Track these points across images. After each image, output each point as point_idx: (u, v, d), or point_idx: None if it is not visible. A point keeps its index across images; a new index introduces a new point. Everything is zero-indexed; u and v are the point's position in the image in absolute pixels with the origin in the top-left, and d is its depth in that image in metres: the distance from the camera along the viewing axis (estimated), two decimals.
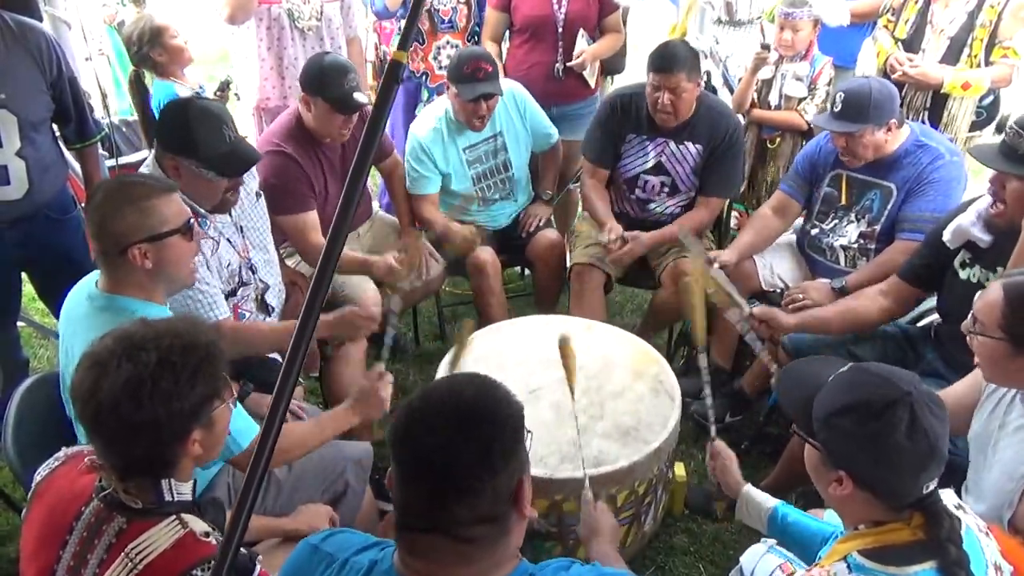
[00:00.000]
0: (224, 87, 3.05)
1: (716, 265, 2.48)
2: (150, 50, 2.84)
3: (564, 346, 1.73)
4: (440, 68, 3.23)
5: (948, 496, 1.21)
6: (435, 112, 2.79)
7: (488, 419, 1.01)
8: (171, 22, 2.91)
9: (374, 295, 2.62)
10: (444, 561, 1.01)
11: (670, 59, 2.55)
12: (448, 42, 3.21)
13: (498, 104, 2.77)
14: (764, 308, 2.23)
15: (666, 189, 2.79)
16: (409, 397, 1.06)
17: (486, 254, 2.78)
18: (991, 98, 2.98)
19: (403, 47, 0.98)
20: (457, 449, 0.97)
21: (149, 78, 2.93)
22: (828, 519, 1.59)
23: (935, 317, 2.30)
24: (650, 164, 2.76)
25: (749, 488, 1.69)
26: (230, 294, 2.12)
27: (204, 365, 1.20)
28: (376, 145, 0.95)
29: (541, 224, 2.94)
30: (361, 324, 2.04)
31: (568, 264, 2.90)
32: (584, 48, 3.10)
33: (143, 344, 1.17)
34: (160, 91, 2.90)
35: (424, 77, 3.26)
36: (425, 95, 3.28)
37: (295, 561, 1.15)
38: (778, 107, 3.07)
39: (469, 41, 3.24)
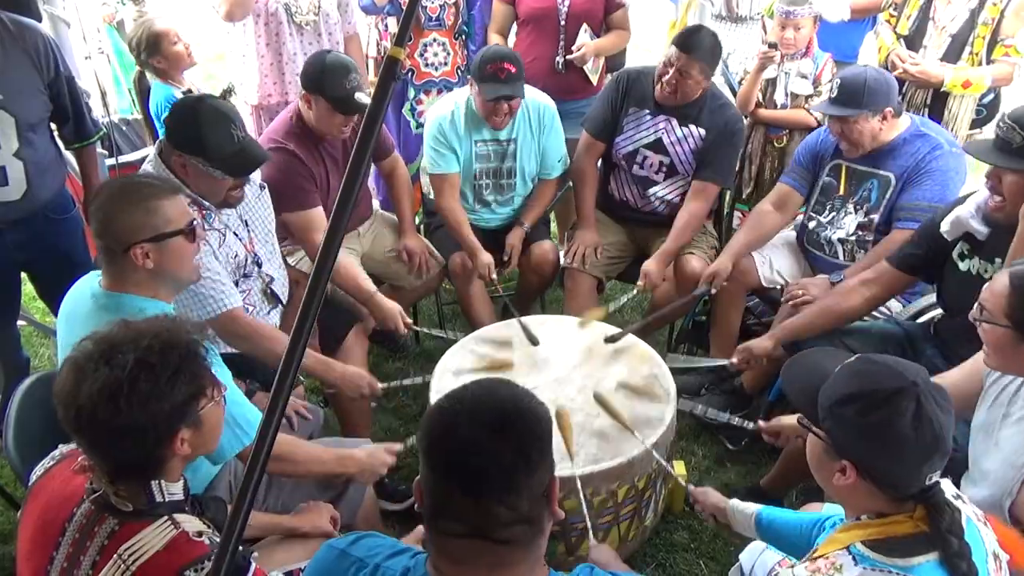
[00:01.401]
0: (226, 94, 3.04)
1: (712, 290, 2.56)
2: (149, 57, 2.85)
3: (560, 419, 1.80)
4: (426, 65, 3.21)
5: (946, 486, 1.21)
6: (457, 98, 2.79)
7: (523, 420, 1.02)
8: (172, 25, 2.90)
9: None
10: (483, 566, 1.01)
11: (695, 43, 2.57)
12: (435, 39, 3.19)
13: (522, 113, 2.76)
14: (738, 353, 2.31)
15: (664, 169, 2.79)
16: (439, 400, 1.06)
17: (462, 258, 2.77)
18: (992, 96, 2.98)
19: (399, 43, 0.98)
20: (496, 450, 0.98)
21: (151, 78, 2.95)
22: (826, 511, 1.59)
23: (935, 313, 2.30)
24: (650, 139, 2.76)
25: (734, 502, 1.72)
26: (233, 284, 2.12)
27: (185, 364, 1.19)
28: (373, 142, 0.94)
29: (515, 254, 2.84)
30: (365, 393, 2.15)
31: (562, 264, 2.89)
32: (585, 42, 3.09)
33: (121, 346, 1.16)
34: (159, 93, 2.90)
35: (410, 74, 3.24)
36: (412, 93, 3.26)
37: (321, 565, 1.14)
38: (784, 106, 3.06)
39: (456, 39, 3.22)
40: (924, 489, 1.15)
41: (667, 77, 2.60)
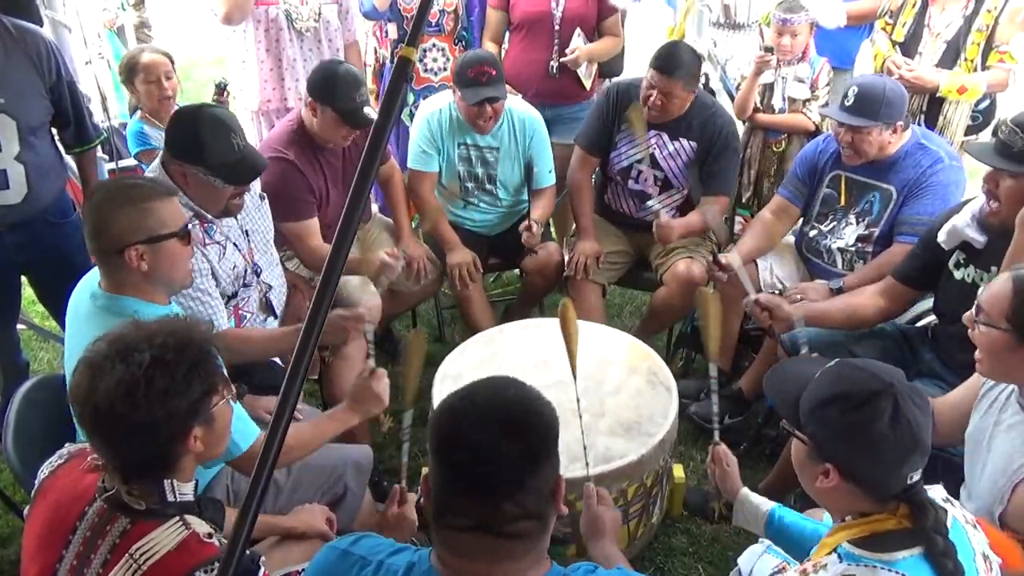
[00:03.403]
0: (221, 90, 3.04)
1: (734, 254, 2.47)
2: (124, 82, 2.81)
3: (565, 311, 1.73)
4: (425, 71, 3.24)
5: (937, 491, 1.23)
6: (448, 98, 2.81)
7: (531, 418, 1.04)
8: (161, 59, 2.78)
9: (374, 298, 2.62)
10: (488, 559, 1.03)
11: (673, 64, 2.57)
12: (434, 45, 3.21)
13: (507, 122, 2.77)
14: (769, 296, 2.25)
15: (659, 183, 2.80)
16: (448, 398, 1.08)
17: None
18: (987, 102, 2.98)
19: (412, 43, 0.96)
20: (505, 448, 1.00)
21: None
22: (827, 519, 1.60)
23: (933, 317, 2.31)
24: (642, 155, 2.77)
25: (746, 492, 1.71)
26: (232, 296, 2.13)
27: (199, 362, 1.21)
28: (384, 147, 0.93)
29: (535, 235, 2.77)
30: (349, 327, 2.03)
31: (564, 274, 2.88)
32: (579, 46, 3.11)
33: (136, 344, 1.17)
34: (131, 126, 2.87)
35: (410, 79, 3.26)
36: (411, 98, 3.28)
37: (322, 566, 1.15)
38: (782, 110, 3.08)
39: (456, 44, 3.24)
40: (906, 488, 1.17)
41: (652, 99, 2.61)
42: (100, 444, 1.20)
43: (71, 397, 1.19)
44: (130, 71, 2.78)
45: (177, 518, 1.19)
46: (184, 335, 1.21)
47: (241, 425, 1.60)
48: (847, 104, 2.34)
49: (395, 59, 3.24)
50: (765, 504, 1.66)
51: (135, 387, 1.14)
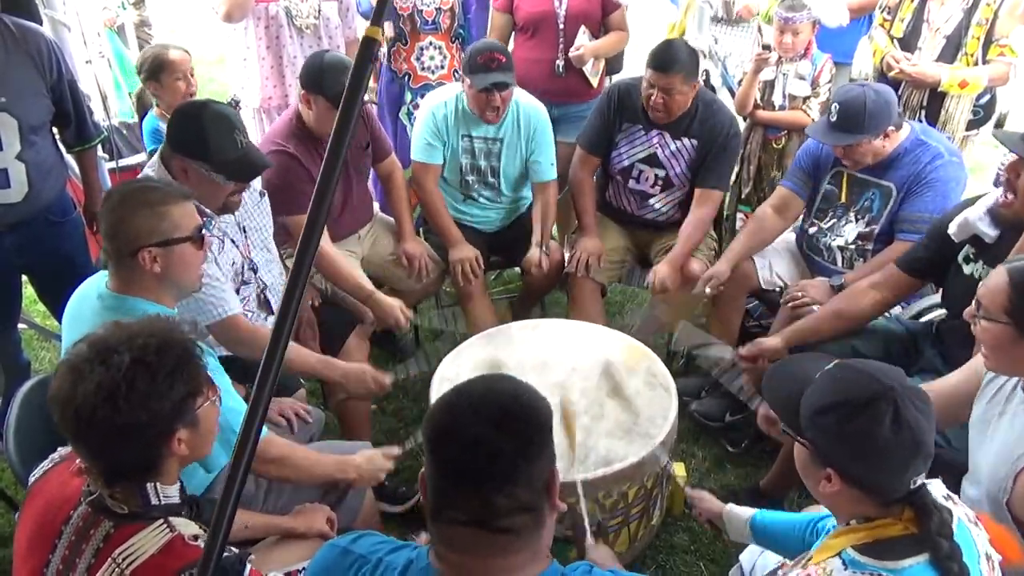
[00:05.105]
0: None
1: (708, 290, 2.52)
2: (147, 80, 2.80)
3: (565, 410, 1.88)
4: (423, 69, 3.23)
5: (937, 487, 1.22)
6: (455, 89, 2.81)
7: (526, 412, 1.05)
8: (183, 58, 2.78)
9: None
10: (484, 553, 1.04)
11: (669, 60, 2.56)
12: (431, 43, 3.20)
13: (511, 115, 2.77)
14: (747, 346, 2.27)
15: (660, 182, 2.79)
16: (444, 395, 1.09)
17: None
18: (988, 96, 2.97)
19: (376, 23, 0.97)
20: (500, 441, 1.01)
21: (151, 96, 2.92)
22: (821, 510, 1.60)
23: (937, 314, 2.30)
24: (644, 154, 2.77)
25: (730, 507, 1.73)
26: None
27: (182, 363, 1.19)
28: (353, 124, 0.93)
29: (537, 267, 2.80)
30: (372, 388, 2.10)
31: (565, 271, 2.87)
32: (584, 43, 3.10)
33: (116, 347, 1.16)
34: (149, 123, 2.88)
35: (407, 78, 3.26)
36: (408, 97, 3.27)
37: (323, 564, 1.15)
38: (782, 107, 3.07)
39: (453, 42, 3.24)
40: (910, 492, 1.16)
41: (654, 99, 2.60)
42: (82, 448, 1.19)
43: (50, 401, 1.17)
44: (157, 68, 2.75)
45: (161, 520, 1.18)
46: (165, 335, 1.19)
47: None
48: (832, 121, 2.33)
49: (389, 55, 3.25)
50: (745, 512, 1.68)
51: (116, 390, 1.12)
